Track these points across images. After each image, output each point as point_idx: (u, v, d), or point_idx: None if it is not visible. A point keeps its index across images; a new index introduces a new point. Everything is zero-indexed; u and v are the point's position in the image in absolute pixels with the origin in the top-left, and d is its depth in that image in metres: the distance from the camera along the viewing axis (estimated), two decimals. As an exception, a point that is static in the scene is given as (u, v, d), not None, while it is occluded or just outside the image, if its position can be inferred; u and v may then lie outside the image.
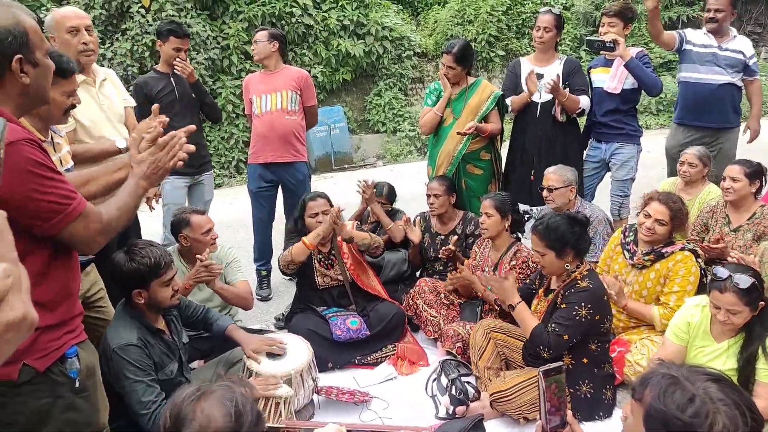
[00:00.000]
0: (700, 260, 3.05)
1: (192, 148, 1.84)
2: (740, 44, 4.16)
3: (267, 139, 4.06)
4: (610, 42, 3.81)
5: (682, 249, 3.01)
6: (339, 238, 3.62)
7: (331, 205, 3.58)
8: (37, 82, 1.55)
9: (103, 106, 2.99)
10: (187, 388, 1.37)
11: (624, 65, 3.88)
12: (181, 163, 1.81)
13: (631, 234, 3.18)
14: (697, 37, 4.20)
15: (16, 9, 1.52)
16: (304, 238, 3.44)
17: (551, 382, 1.62)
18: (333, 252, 3.61)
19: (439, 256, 3.77)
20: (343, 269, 3.59)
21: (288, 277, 4.60)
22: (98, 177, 1.92)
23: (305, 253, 3.44)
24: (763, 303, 2.32)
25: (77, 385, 1.67)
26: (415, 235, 3.86)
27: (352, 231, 3.56)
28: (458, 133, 3.86)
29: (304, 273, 3.60)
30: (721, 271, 2.35)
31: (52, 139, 2.35)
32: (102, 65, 3.69)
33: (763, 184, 3.51)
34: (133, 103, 3.41)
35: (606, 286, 2.84)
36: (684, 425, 1.19)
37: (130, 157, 1.81)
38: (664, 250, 3.02)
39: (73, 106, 2.32)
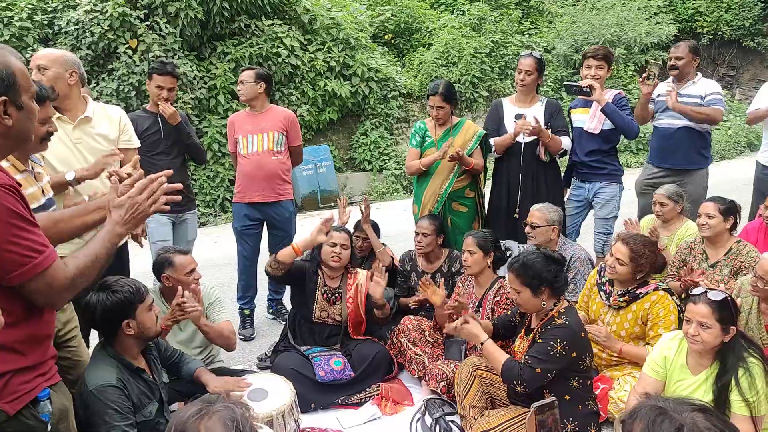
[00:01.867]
0: (674, 297, 3.08)
1: (179, 186, 1.84)
2: (699, 88, 4.32)
3: (253, 179, 4.09)
4: (587, 87, 3.94)
5: (656, 289, 3.05)
6: (349, 280, 3.62)
7: (352, 243, 3.64)
8: (20, 124, 1.54)
9: (78, 146, 2.96)
10: (191, 407, 1.42)
11: (600, 110, 3.99)
12: (167, 207, 1.78)
13: (606, 275, 3.23)
14: (660, 88, 4.41)
15: (5, 51, 1.52)
16: (294, 242, 3.45)
17: (546, 416, 1.61)
18: (340, 290, 3.60)
19: (411, 302, 3.81)
20: (344, 311, 3.56)
21: (272, 317, 4.57)
22: (71, 218, 1.88)
23: (292, 256, 3.43)
24: (734, 329, 2.34)
25: (49, 428, 1.63)
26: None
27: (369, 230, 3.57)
28: (449, 158, 3.89)
29: (303, 301, 3.57)
30: (698, 289, 2.43)
31: (32, 168, 2.34)
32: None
33: (738, 220, 3.58)
34: (136, 144, 3.30)
35: (592, 333, 2.88)
36: None
37: (108, 201, 1.77)
38: (638, 291, 3.07)
39: (50, 134, 2.31)
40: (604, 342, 2.96)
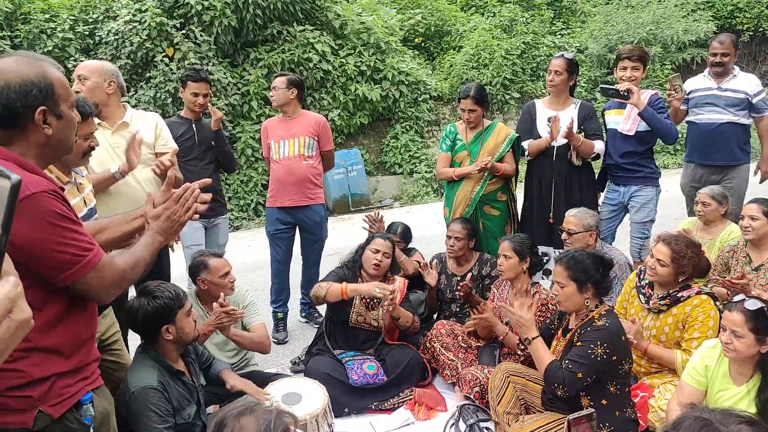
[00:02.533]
0: (718, 303, 2.98)
1: (208, 197, 1.88)
2: (742, 83, 4.22)
3: (285, 184, 4.15)
4: (624, 91, 3.84)
5: (699, 293, 2.95)
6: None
7: (394, 251, 3.63)
8: (60, 133, 1.58)
9: (116, 150, 3.06)
10: (237, 403, 1.52)
11: (638, 114, 3.90)
12: (196, 216, 1.85)
13: (646, 278, 3.14)
14: (696, 83, 4.30)
15: (44, 62, 1.57)
16: (343, 286, 3.40)
17: (582, 429, 1.58)
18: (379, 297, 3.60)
19: (456, 293, 3.74)
20: (383, 317, 3.55)
21: (305, 320, 4.61)
22: (113, 226, 1.94)
23: (338, 297, 3.41)
24: None
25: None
26: (431, 278, 3.81)
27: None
28: (478, 170, 3.86)
29: (341, 305, 3.56)
30: (738, 296, 2.37)
31: (75, 180, 2.42)
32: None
33: (784, 222, 3.45)
34: (173, 146, 3.32)
35: (625, 327, 2.79)
36: None
37: (145, 211, 1.84)
38: (680, 294, 2.97)
39: (92, 149, 2.39)
40: (632, 338, 2.88)
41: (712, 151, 4.30)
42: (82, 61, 7.81)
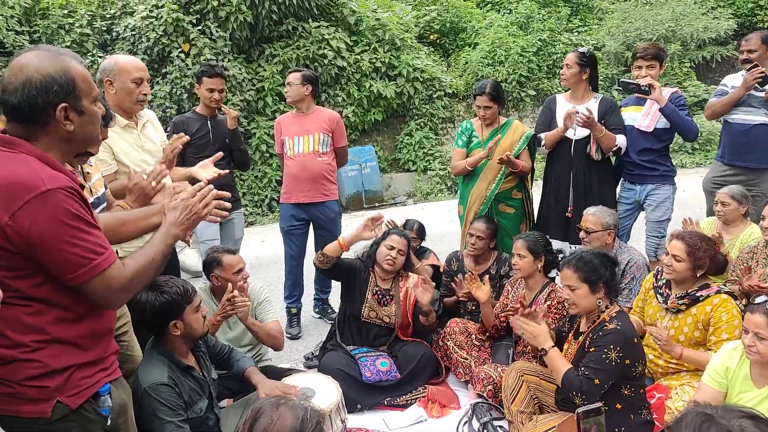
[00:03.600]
0: (738, 302, 2.94)
1: (227, 194, 1.89)
2: None
3: (299, 180, 4.15)
4: (646, 86, 3.79)
5: (718, 292, 2.91)
6: (401, 282, 3.62)
7: (410, 247, 3.63)
8: (82, 129, 1.58)
9: (144, 147, 3.10)
10: (271, 397, 1.59)
11: (659, 110, 3.85)
12: (224, 213, 1.85)
13: (664, 277, 3.10)
14: (734, 80, 4.22)
15: (66, 56, 1.55)
16: (340, 239, 3.47)
17: (590, 423, 1.57)
18: (392, 292, 3.60)
19: (459, 294, 3.76)
20: (397, 313, 3.56)
21: (318, 316, 4.61)
22: (134, 220, 1.93)
23: (337, 250, 3.45)
24: None
25: (109, 423, 1.67)
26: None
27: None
28: (499, 161, 3.83)
29: (353, 299, 3.59)
30: (760, 298, 2.33)
31: (81, 169, 2.42)
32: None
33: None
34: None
35: (653, 334, 2.81)
36: None
37: (163, 204, 1.83)
38: (698, 294, 2.92)
39: (91, 154, 2.36)
40: (663, 346, 2.84)
41: (744, 152, 4.20)
42: (100, 57, 7.95)
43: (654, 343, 3.04)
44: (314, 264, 3.56)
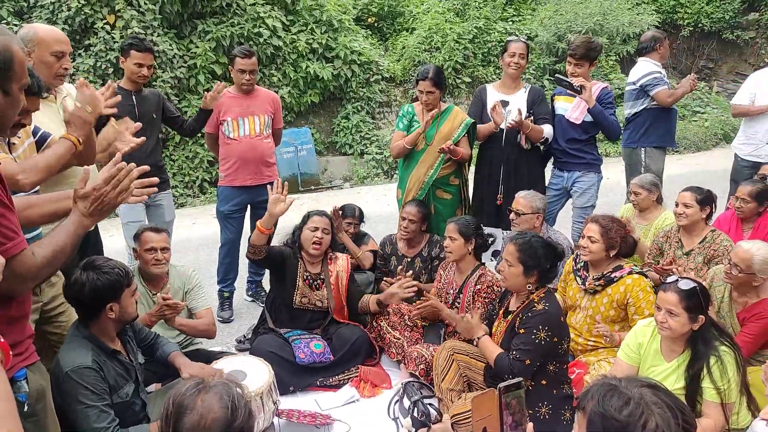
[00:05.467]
0: (649, 280, 3.15)
1: (155, 181, 1.83)
2: None
3: (247, 162, 4.08)
4: (578, 86, 3.96)
5: (630, 273, 3.11)
6: (330, 266, 3.60)
7: (333, 227, 3.60)
8: (2, 111, 1.50)
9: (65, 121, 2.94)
10: (188, 382, 1.52)
11: (587, 110, 4.03)
12: (143, 197, 1.79)
13: (581, 260, 3.28)
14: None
15: (9, 37, 1.48)
16: (258, 223, 3.36)
17: (511, 397, 1.64)
18: (322, 276, 3.58)
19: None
20: (329, 297, 3.56)
21: (251, 299, 4.55)
22: (42, 204, 1.84)
23: (260, 236, 3.35)
24: (703, 318, 2.40)
25: (26, 409, 1.61)
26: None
27: (346, 238, 3.51)
28: (439, 151, 3.88)
29: (284, 286, 3.54)
30: (671, 277, 2.49)
31: (8, 141, 2.27)
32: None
33: (713, 210, 3.65)
34: None
35: (601, 333, 3.02)
36: (620, 425, 1.28)
37: (74, 190, 1.72)
38: (613, 275, 3.13)
39: (23, 125, 2.26)
40: (609, 341, 3.05)
41: None
42: (15, 25, 7.42)
43: (575, 324, 3.22)
44: (247, 257, 3.49)
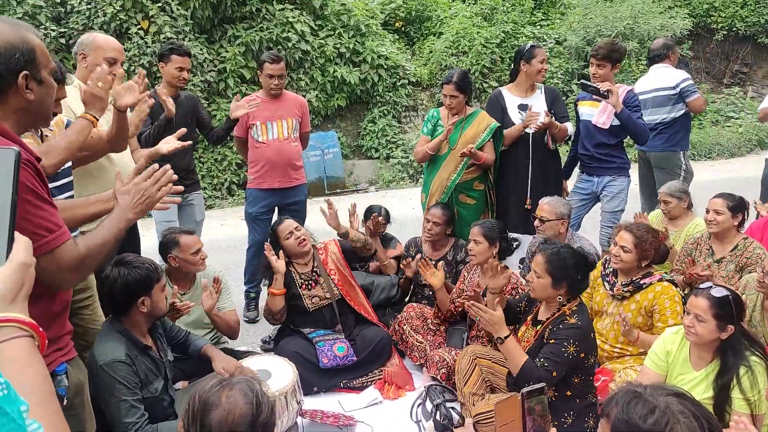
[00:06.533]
0: (678, 289, 3.10)
1: (174, 177, 1.87)
2: None
3: (275, 165, 4.16)
4: (605, 91, 3.93)
5: (660, 280, 3.06)
6: (322, 256, 3.64)
7: (301, 222, 3.69)
8: (40, 98, 1.55)
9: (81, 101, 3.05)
10: (211, 380, 1.55)
11: (615, 115, 3.99)
12: (177, 199, 1.85)
13: (611, 266, 3.23)
14: None
15: (23, 28, 1.54)
16: (270, 289, 3.44)
17: (534, 402, 1.63)
18: (316, 270, 3.62)
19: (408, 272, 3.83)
20: (330, 285, 3.60)
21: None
22: (71, 208, 1.87)
23: (280, 301, 3.43)
24: (732, 327, 2.35)
25: (65, 403, 1.64)
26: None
27: (378, 244, 3.56)
28: (461, 155, 3.88)
29: (292, 301, 3.59)
30: (705, 284, 2.45)
31: (41, 132, 2.35)
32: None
33: (746, 217, 3.57)
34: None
35: (622, 323, 2.94)
36: None
37: (115, 189, 1.79)
38: (642, 282, 3.07)
39: (54, 114, 2.34)
40: (625, 331, 2.97)
41: None
42: (53, 30, 7.65)
43: (602, 329, 3.18)
44: (267, 320, 3.57)
